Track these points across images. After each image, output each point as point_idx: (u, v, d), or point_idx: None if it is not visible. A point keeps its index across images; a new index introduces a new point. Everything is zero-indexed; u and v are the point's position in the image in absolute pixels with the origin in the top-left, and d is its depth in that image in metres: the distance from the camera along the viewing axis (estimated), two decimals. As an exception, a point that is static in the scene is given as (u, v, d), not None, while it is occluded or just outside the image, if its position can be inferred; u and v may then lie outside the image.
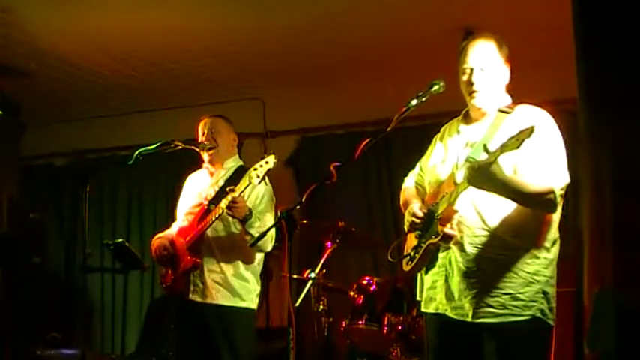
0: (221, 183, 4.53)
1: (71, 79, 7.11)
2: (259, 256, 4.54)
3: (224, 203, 4.19)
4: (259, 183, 4.18)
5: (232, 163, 4.63)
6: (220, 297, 4.39)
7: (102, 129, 8.36)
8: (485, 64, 3.23)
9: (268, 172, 4.18)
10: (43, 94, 7.48)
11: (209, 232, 4.43)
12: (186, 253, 4.45)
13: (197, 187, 4.71)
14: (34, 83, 7.11)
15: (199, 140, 4.62)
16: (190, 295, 4.43)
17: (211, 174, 4.67)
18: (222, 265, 4.42)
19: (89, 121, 8.32)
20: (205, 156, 4.61)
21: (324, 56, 6.57)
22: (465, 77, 3.25)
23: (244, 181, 4.16)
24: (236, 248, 4.41)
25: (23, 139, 7.89)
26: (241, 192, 4.17)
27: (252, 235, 4.24)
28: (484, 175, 2.84)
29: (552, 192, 2.99)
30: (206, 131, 4.61)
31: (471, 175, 2.87)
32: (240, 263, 4.45)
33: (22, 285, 7.43)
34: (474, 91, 3.23)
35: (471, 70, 3.23)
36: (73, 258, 8.40)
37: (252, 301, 4.49)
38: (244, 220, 4.23)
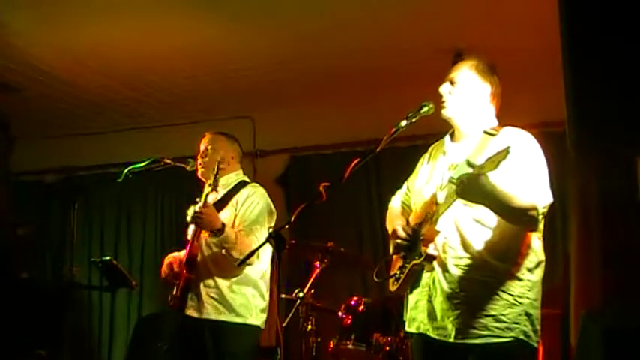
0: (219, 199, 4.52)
1: (62, 95, 7.12)
2: (262, 271, 4.49)
3: (189, 216, 4.20)
4: (212, 191, 4.18)
5: (233, 178, 4.60)
6: (215, 312, 4.36)
7: (92, 146, 8.34)
8: (456, 76, 3.31)
9: (217, 178, 4.20)
10: (34, 110, 7.47)
11: (204, 247, 4.41)
12: (183, 269, 4.44)
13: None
14: (25, 98, 7.10)
15: (199, 156, 4.61)
16: (187, 311, 4.40)
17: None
18: (218, 280, 4.39)
19: (79, 137, 8.31)
20: (199, 172, 4.60)
21: (314, 76, 6.60)
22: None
23: (204, 193, 4.18)
24: (230, 263, 4.34)
25: (12, 155, 7.88)
26: (204, 202, 4.17)
27: (227, 250, 4.23)
28: (474, 186, 2.85)
29: (535, 209, 2.99)
30: (202, 148, 4.61)
31: (459, 187, 2.88)
32: (236, 278, 4.40)
33: (8, 301, 7.38)
34: (441, 102, 3.30)
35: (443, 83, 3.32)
36: (60, 275, 8.36)
37: (250, 317, 4.41)
38: (213, 233, 4.22)
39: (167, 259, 4.57)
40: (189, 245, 4.42)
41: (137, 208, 8.34)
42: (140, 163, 4.36)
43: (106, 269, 6.83)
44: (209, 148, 4.58)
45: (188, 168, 4.55)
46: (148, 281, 8.03)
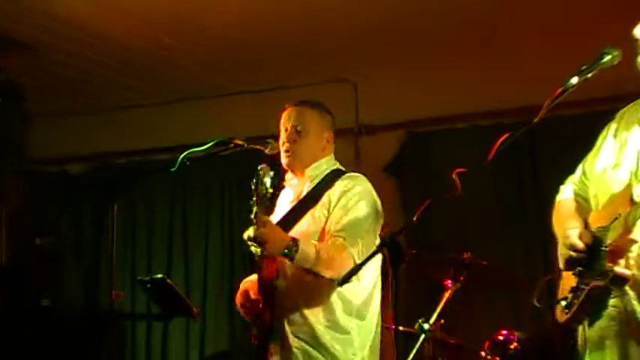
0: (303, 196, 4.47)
1: (92, 54, 7.19)
2: (366, 293, 4.36)
3: (247, 241, 4.15)
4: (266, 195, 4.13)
5: (323, 167, 4.50)
6: (307, 359, 4.26)
7: (133, 123, 8.49)
8: None
9: (275, 180, 4.13)
10: (56, 76, 7.61)
11: (285, 268, 4.34)
12: (258, 302, 4.40)
13: (280, 206, 4.61)
14: (42, 60, 7.21)
15: (281, 138, 4.54)
16: (270, 358, 4.29)
17: (294, 185, 4.57)
18: (307, 313, 4.28)
19: (115, 112, 8.45)
20: (283, 160, 4.54)
21: (437, 22, 6.55)
22: None
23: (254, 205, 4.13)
24: (322, 288, 4.23)
25: (29, 136, 8.03)
26: (262, 221, 4.09)
27: (315, 274, 4.14)
28: None
29: None
30: (289, 127, 4.51)
31: None
32: (334, 307, 4.28)
33: (26, 335, 7.56)
34: (638, 49, 3.22)
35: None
36: (94, 299, 8.52)
37: (357, 357, 4.28)
38: (286, 255, 4.11)
39: (243, 285, 4.54)
40: (259, 266, 4.35)
41: (197, 208, 8.45)
42: (201, 145, 4.37)
43: (157, 291, 6.92)
44: (298, 127, 4.49)
45: (267, 151, 4.50)
46: (212, 308, 8.13)
